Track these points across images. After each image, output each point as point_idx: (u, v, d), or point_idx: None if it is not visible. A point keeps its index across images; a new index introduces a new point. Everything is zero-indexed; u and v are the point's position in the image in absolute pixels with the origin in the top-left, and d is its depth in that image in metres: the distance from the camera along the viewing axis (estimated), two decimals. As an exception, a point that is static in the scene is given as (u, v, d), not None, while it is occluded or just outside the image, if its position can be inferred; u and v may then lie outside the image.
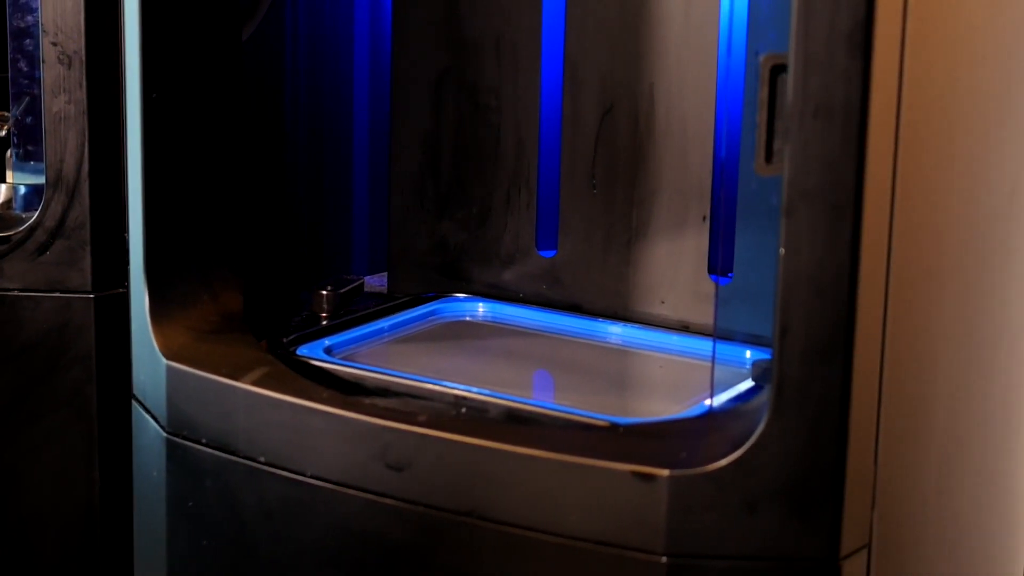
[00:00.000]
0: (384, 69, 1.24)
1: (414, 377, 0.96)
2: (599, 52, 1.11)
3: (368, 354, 1.06)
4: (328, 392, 0.92)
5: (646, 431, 0.88)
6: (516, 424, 0.91)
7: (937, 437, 0.88)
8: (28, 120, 1.19)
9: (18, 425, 1.18)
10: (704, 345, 1.06)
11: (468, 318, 1.16)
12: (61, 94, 1.13)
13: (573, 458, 0.82)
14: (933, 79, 0.81)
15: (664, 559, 0.80)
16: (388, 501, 0.88)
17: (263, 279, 1.18)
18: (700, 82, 1.07)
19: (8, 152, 1.22)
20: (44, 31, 1.13)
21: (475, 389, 0.94)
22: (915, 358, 0.84)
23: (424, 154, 1.19)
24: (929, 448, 0.88)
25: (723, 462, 0.79)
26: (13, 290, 1.16)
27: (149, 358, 0.99)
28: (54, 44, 1.13)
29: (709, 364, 1.01)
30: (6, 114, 1.21)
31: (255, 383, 0.93)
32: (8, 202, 1.22)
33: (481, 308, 1.16)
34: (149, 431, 0.99)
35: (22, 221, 1.16)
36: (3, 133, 1.22)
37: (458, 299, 1.17)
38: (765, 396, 0.79)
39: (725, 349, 1.02)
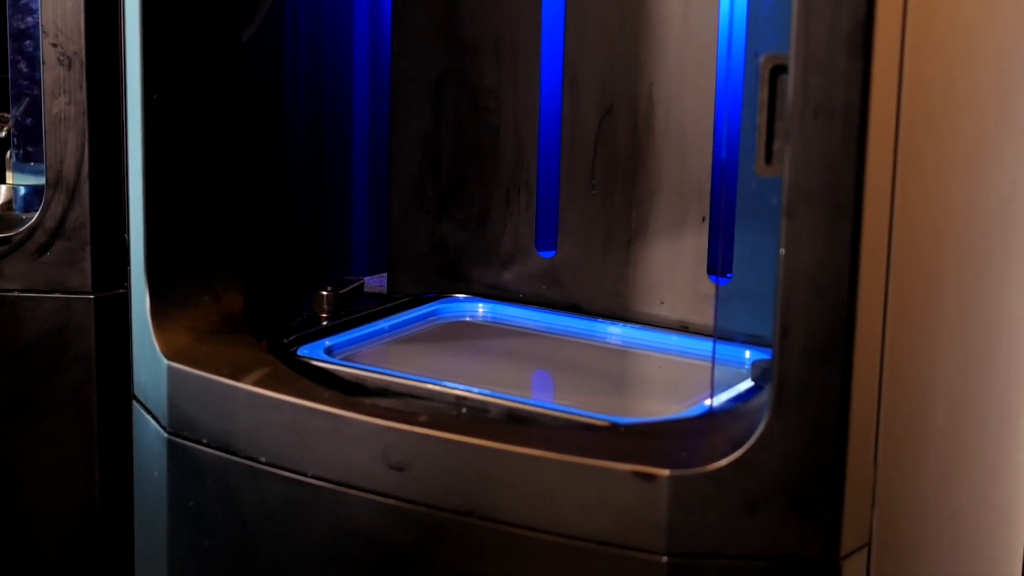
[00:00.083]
0: (384, 70, 1.24)
1: (415, 377, 0.96)
2: (599, 53, 1.11)
3: (368, 354, 1.06)
4: (329, 392, 0.92)
5: (646, 431, 0.88)
6: (517, 424, 0.91)
7: (936, 437, 0.88)
8: (28, 121, 1.19)
9: (18, 425, 1.18)
10: (704, 345, 1.06)
11: (468, 319, 1.16)
12: (61, 95, 1.13)
13: (574, 458, 0.82)
14: (933, 80, 0.81)
15: (664, 559, 0.80)
16: (389, 501, 0.88)
17: (263, 280, 1.18)
18: (700, 83, 1.07)
19: (8, 153, 1.22)
20: (44, 32, 1.13)
21: (475, 389, 0.94)
22: (915, 358, 0.84)
23: (424, 155, 1.19)
24: (929, 448, 0.88)
25: (723, 462, 0.79)
26: (13, 290, 1.16)
27: (150, 358, 0.99)
28: (54, 45, 1.13)
29: (709, 364, 1.01)
30: (6, 115, 1.21)
31: (256, 383, 0.93)
32: (8, 203, 1.22)
33: (481, 309, 1.16)
34: (150, 431, 0.99)
35: (22, 222, 1.16)
36: (3, 134, 1.22)
37: (458, 300, 1.17)
38: (765, 396, 0.80)
39: (725, 349, 1.02)
